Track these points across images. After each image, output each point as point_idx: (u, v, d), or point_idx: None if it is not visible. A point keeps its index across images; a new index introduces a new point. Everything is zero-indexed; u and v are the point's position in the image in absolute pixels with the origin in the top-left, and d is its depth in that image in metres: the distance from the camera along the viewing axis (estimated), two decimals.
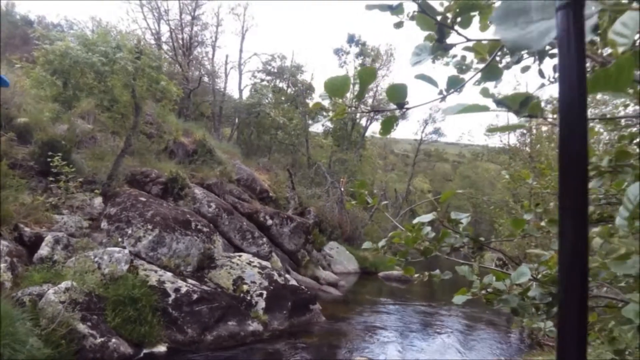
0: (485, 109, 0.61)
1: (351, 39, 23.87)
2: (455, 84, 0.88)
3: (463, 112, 0.71)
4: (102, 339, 5.15)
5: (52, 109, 7.86)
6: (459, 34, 0.97)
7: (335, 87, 0.86)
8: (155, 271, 6.69)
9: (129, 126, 8.67)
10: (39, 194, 6.79)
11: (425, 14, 0.92)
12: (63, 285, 5.25)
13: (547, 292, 1.31)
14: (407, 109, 0.90)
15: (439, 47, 0.94)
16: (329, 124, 25.68)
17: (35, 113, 7.92)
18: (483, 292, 1.30)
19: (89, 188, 7.48)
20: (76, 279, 5.42)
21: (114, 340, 5.28)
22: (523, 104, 0.64)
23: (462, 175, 33.95)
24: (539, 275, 1.37)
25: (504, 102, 0.59)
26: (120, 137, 9.36)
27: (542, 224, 1.53)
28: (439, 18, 0.94)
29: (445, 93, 0.90)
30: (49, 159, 6.82)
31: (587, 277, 0.41)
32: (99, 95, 8.17)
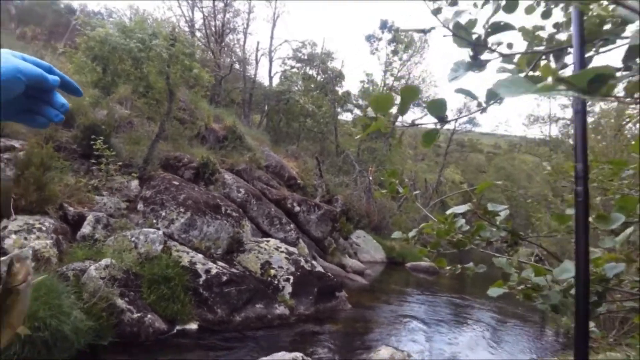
0: (546, 89, 0.57)
1: (384, 25, 23.49)
2: (494, 96, 0.90)
3: (515, 93, 0.72)
4: (139, 314, 5.41)
5: (92, 94, 8.17)
6: (492, 50, 1.00)
7: (381, 104, 0.92)
8: (187, 252, 6.93)
9: (163, 112, 8.92)
10: (81, 176, 7.12)
11: (459, 37, 0.96)
12: (103, 262, 5.52)
13: (594, 291, 1.25)
14: (448, 121, 0.94)
15: (474, 63, 0.98)
16: (358, 112, 25.52)
17: (77, 99, 8.25)
18: (521, 287, 1.30)
19: (127, 171, 7.78)
20: (115, 256, 5.70)
21: (149, 315, 5.53)
22: (594, 83, 0.56)
23: (497, 167, 32.98)
24: None
25: (568, 81, 0.55)
26: (155, 123, 9.64)
27: (590, 220, 1.50)
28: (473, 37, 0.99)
29: (484, 105, 0.93)
30: (90, 143, 7.14)
31: None
32: (135, 82, 8.43)
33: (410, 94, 0.89)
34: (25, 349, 3.73)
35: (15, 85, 0.55)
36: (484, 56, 1.02)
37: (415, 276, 13.80)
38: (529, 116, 24.65)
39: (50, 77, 0.59)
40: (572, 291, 1.26)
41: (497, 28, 1.00)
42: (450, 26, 0.98)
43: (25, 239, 5.22)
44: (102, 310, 4.95)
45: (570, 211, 1.44)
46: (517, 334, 8.07)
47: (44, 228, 5.61)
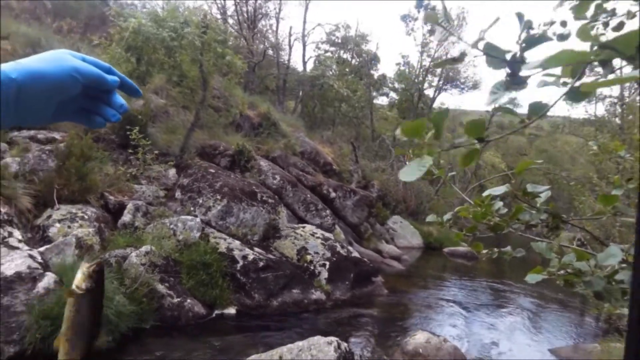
0: (583, 56, 0.46)
1: (419, 4, 22.67)
2: (538, 110, 0.78)
3: (553, 64, 0.60)
4: (179, 299, 5.56)
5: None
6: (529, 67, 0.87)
7: (413, 131, 0.88)
8: (224, 239, 7.03)
9: (197, 100, 9.03)
10: (120, 166, 7.35)
11: (492, 57, 0.84)
12: (143, 249, 5.69)
13: None
14: (488, 142, 0.86)
15: (513, 81, 0.86)
16: (394, 95, 24.99)
17: None
18: (561, 272, 1.17)
19: (164, 160, 7.96)
20: (155, 243, 5.86)
21: (189, 300, 5.67)
22: None
23: (538, 149, 31.42)
24: (630, 258, 1.20)
25: (612, 46, 0.44)
26: (190, 111, 9.79)
27: None
28: (508, 57, 0.87)
29: (527, 121, 0.82)
30: (127, 133, 7.34)
31: None
32: (169, 71, 8.56)
33: (441, 118, 0.86)
34: None
35: (72, 84, 0.55)
36: (524, 72, 0.90)
37: (453, 261, 13.47)
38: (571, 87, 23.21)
39: (109, 77, 0.60)
40: (618, 277, 1.14)
41: (533, 41, 0.88)
42: (481, 47, 0.86)
43: (69, 227, 5.45)
44: (144, 295, 5.12)
45: (617, 192, 1.28)
46: (557, 320, 7.73)
47: (86, 217, 5.83)
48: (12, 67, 0.51)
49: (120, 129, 7.75)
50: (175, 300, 5.52)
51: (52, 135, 7.31)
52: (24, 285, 4.18)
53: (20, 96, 0.51)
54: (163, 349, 4.60)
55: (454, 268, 12.55)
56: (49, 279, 4.35)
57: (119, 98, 0.62)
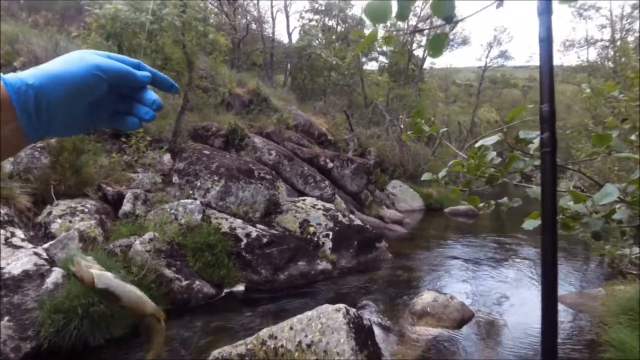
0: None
1: None
2: (438, 44, 0.73)
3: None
4: (187, 282, 5.63)
5: None
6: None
7: (377, 13, 0.77)
8: (226, 219, 7.06)
9: (184, 83, 8.86)
10: (114, 156, 7.29)
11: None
12: (147, 236, 5.71)
13: (637, 214, 1.16)
14: (456, 22, 0.78)
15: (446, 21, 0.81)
16: (383, 59, 24.58)
17: None
18: (559, 217, 1.17)
19: (157, 146, 7.89)
20: (157, 230, 5.88)
21: (197, 282, 5.75)
22: None
23: (533, 100, 31.17)
24: (627, 197, 1.20)
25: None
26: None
27: (633, 137, 1.32)
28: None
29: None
30: None
31: None
32: (152, 55, 8.35)
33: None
34: (84, 323, 3.96)
35: (95, 84, 0.50)
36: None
37: (455, 220, 13.62)
38: (564, 42, 22.95)
39: (139, 73, 0.55)
40: (615, 216, 1.14)
41: None
42: None
43: (70, 222, 5.46)
44: (152, 281, 5.17)
45: (614, 132, 1.27)
46: (561, 268, 7.85)
47: (86, 210, 5.83)
48: (30, 73, 0.48)
49: None
50: (184, 283, 5.59)
51: None
52: (32, 283, 4.22)
53: (40, 103, 0.47)
54: (176, 330, 4.70)
55: (455, 227, 12.70)
56: (56, 274, 4.39)
57: (151, 94, 0.56)
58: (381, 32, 0.87)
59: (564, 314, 5.68)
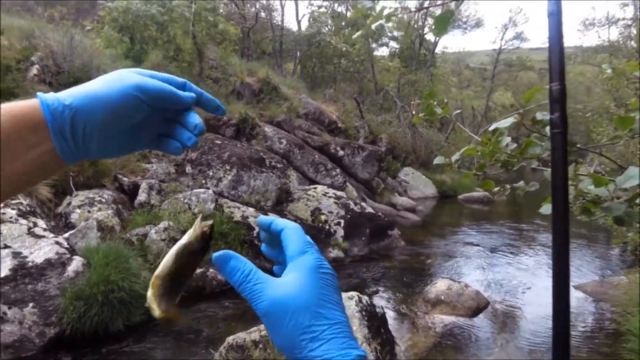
0: None
1: None
2: (443, 22, 0.71)
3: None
4: (201, 269, 5.72)
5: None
6: None
7: None
8: (239, 208, 7.13)
9: (195, 73, 8.90)
10: None
11: None
12: (162, 225, 5.81)
13: None
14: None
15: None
16: (394, 44, 24.26)
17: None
18: (579, 202, 1.14)
19: None
20: (171, 219, 5.97)
21: (211, 270, 5.84)
22: None
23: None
24: None
25: None
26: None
27: None
28: None
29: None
30: None
31: None
32: (163, 47, 8.40)
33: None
34: (105, 310, 4.07)
35: (135, 105, 0.46)
36: None
37: (469, 207, 13.51)
38: (584, 21, 22.31)
39: (183, 93, 0.50)
40: (639, 201, 1.10)
41: None
42: None
43: (89, 211, 5.57)
44: None
45: (637, 114, 1.24)
46: (581, 255, 7.75)
47: (103, 200, 5.94)
48: (69, 92, 0.45)
49: None
50: (198, 271, 5.68)
51: None
52: (54, 271, 4.33)
53: (76, 125, 0.44)
54: (192, 317, 4.80)
55: (470, 214, 12.61)
56: (77, 262, 4.50)
57: (195, 117, 0.52)
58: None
59: (583, 303, 5.61)
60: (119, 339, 4.14)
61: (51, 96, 0.44)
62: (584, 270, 6.93)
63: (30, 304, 3.93)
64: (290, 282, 0.47)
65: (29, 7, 11.82)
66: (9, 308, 3.81)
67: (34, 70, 8.06)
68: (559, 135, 0.66)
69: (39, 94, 0.44)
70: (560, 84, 0.67)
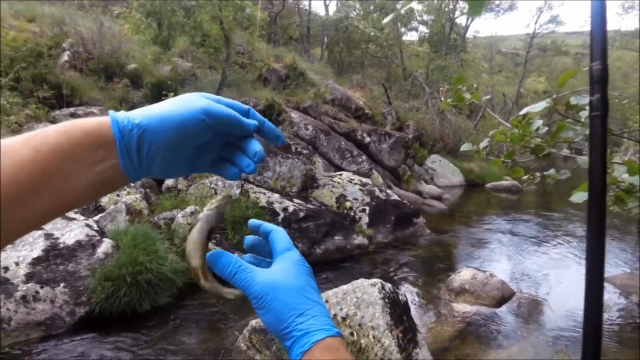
0: None
1: None
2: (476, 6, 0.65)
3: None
4: None
5: (153, 51, 8.38)
6: None
7: None
8: (264, 193, 7.18)
9: (222, 59, 8.94)
10: None
11: None
12: (188, 209, 5.92)
13: None
14: None
15: None
16: (424, 29, 23.64)
17: (141, 58, 8.54)
18: (613, 190, 1.07)
19: None
20: (198, 203, 6.07)
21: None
22: None
23: (586, 69, 29.13)
24: None
25: None
26: (217, 71, 9.74)
27: None
28: None
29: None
30: (159, 99, 7.44)
31: None
32: (190, 32, 8.46)
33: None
34: (132, 290, 4.19)
35: (200, 128, 0.48)
36: None
37: (497, 196, 13.17)
38: (623, 4, 21.08)
39: (247, 120, 0.52)
40: None
41: None
42: None
43: (118, 195, 5.72)
44: None
45: None
46: (612, 247, 7.44)
47: (132, 184, 6.09)
48: (138, 112, 0.47)
49: (152, 96, 7.86)
50: None
51: (91, 110, 7.53)
52: (85, 252, 4.49)
53: (142, 143, 0.45)
54: (216, 301, 4.89)
55: (498, 203, 12.30)
56: (106, 244, 4.65)
57: (255, 144, 0.53)
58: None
59: (613, 296, 5.41)
60: (146, 320, 4.27)
61: (122, 114, 0.46)
62: (614, 262, 6.68)
63: (62, 284, 4.09)
64: (278, 270, 0.54)
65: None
66: (42, 287, 3.98)
67: (65, 56, 8.29)
68: (599, 119, 0.60)
69: (111, 111, 0.45)
70: (602, 64, 0.61)
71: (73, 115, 7.46)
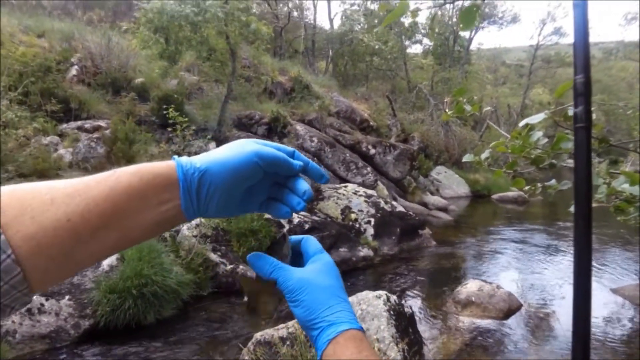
0: None
1: None
2: (469, 17, 0.67)
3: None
4: (232, 266, 5.81)
5: (160, 66, 8.50)
6: None
7: None
8: None
9: (228, 73, 9.05)
10: (163, 145, 7.60)
11: None
12: (193, 222, 5.93)
13: None
14: None
15: None
16: (428, 41, 23.81)
17: (148, 72, 8.68)
18: (612, 202, 1.07)
19: (203, 135, 8.14)
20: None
21: (241, 266, 5.92)
22: None
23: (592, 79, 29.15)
24: None
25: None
26: (223, 85, 9.85)
27: None
28: None
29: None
30: (166, 113, 7.53)
31: None
32: (197, 47, 8.59)
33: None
34: (137, 303, 4.20)
35: (253, 169, 0.52)
36: None
37: (503, 207, 13.09)
38: (626, 14, 21.16)
39: (294, 161, 0.56)
40: None
41: None
42: None
43: None
44: (199, 265, 5.38)
45: None
46: (619, 258, 7.35)
47: None
48: (199, 157, 0.50)
49: (159, 110, 7.96)
50: (229, 267, 5.78)
51: (98, 123, 7.63)
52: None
53: (202, 185, 0.49)
54: (223, 311, 4.88)
55: (503, 214, 12.22)
56: (111, 257, 4.67)
57: (303, 183, 0.57)
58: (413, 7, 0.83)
59: (621, 308, 5.33)
60: (151, 332, 4.26)
61: (185, 159, 0.49)
62: (620, 272, 6.59)
63: (67, 297, 4.11)
64: (311, 269, 0.59)
65: (69, 10, 12.40)
66: (47, 300, 4.00)
67: (74, 70, 8.44)
68: (583, 130, 0.62)
69: (176, 157, 0.49)
70: (585, 77, 0.63)
71: (80, 128, 7.56)
